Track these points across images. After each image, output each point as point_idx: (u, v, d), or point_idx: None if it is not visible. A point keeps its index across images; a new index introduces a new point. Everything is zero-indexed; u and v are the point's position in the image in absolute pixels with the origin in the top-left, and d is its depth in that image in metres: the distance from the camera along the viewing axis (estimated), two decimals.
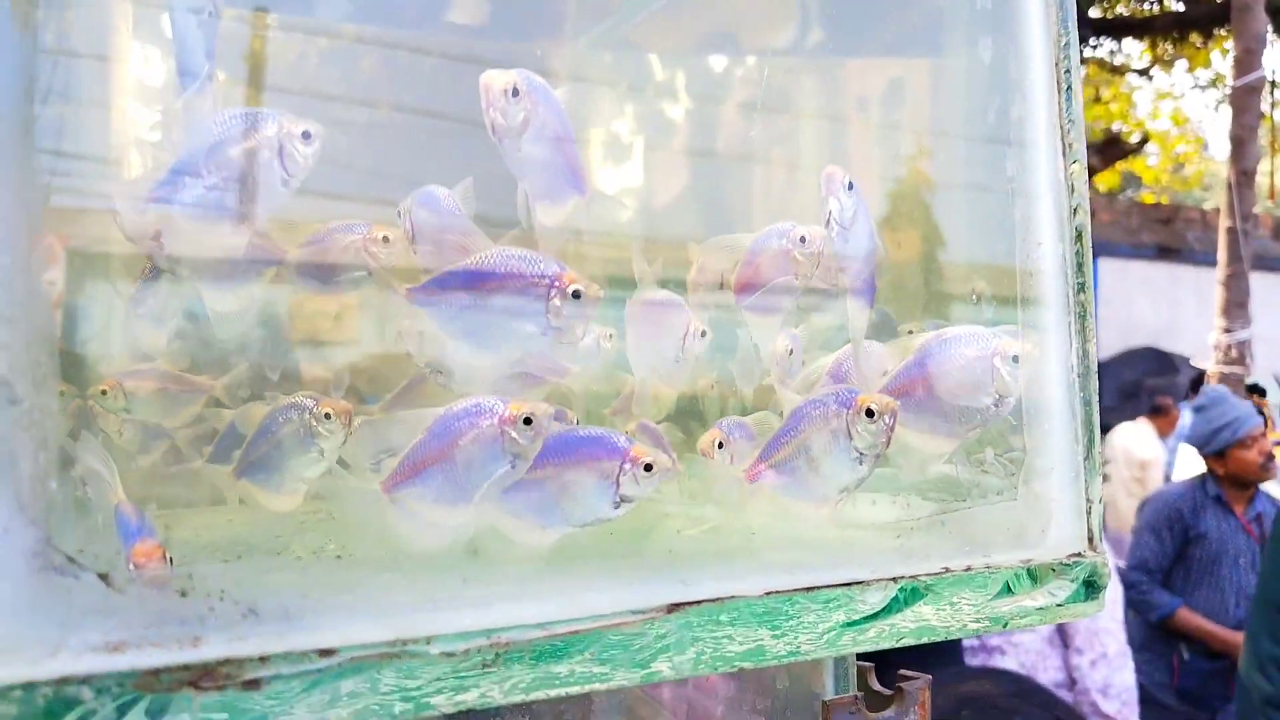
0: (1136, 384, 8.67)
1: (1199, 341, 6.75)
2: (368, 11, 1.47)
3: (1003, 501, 0.87)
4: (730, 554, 0.79)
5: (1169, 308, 11.89)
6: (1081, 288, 0.91)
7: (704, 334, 0.85)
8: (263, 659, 0.60)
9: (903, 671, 1.01)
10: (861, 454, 0.81)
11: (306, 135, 0.79)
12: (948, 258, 1.05)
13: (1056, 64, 0.91)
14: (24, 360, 0.58)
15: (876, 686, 1.04)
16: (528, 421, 0.72)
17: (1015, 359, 0.85)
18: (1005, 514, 0.87)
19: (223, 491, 0.92)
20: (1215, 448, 4.23)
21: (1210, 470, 4.32)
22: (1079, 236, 0.91)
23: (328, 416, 0.82)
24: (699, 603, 0.71)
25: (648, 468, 0.73)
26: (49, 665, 0.57)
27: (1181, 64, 13.52)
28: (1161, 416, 7.29)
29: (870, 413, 0.80)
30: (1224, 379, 6.08)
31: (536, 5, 1.56)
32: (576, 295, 0.76)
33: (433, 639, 0.64)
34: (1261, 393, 6.72)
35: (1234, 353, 6.15)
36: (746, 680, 1.18)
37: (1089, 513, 0.86)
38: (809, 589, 0.74)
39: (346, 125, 1.32)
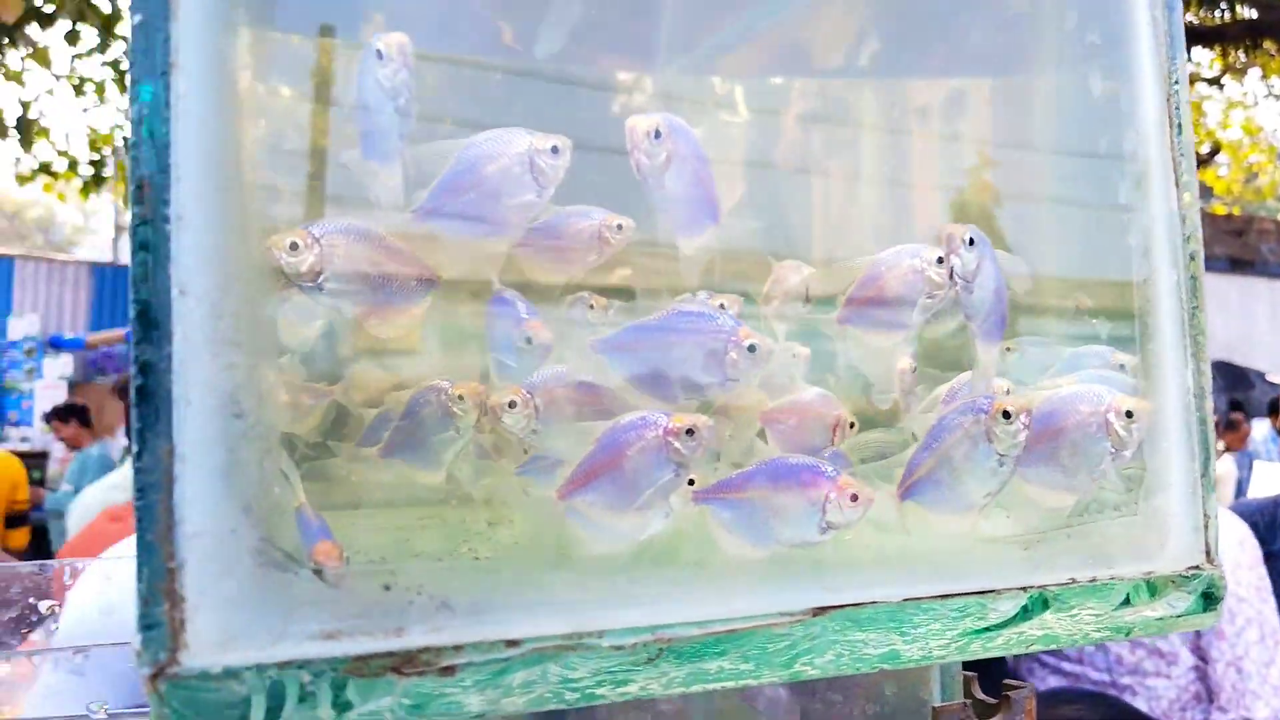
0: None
1: (1273, 355, 6.61)
2: (464, 40, 1.55)
3: (1124, 516, 0.91)
4: (871, 563, 0.84)
5: (1241, 321, 11.62)
6: (1195, 311, 0.94)
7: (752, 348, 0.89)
8: (457, 648, 0.67)
9: (1008, 681, 1.04)
10: (1002, 457, 0.85)
11: (555, 150, 0.87)
12: (1062, 277, 1.09)
13: (1168, 99, 0.95)
14: (249, 379, 0.65)
15: (980, 695, 1.07)
16: (690, 433, 0.78)
17: (1129, 414, 0.89)
18: (1126, 528, 0.90)
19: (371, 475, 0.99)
20: None
21: None
22: (1192, 261, 0.94)
23: (461, 398, 0.90)
24: (842, 607, 0.76)
25: (854, 498, 0.79)
26: (274, 650, 0.64)
27: (1254, 72, 13.24)
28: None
29: (1007, 414, 0.84)
30: None
31: (631, 35, 1.62)
32: (752, 349, 0.83)
33: (604, 633, 0.70)
34: None
35: None
36: (855, 687, 1.23)
37: (1206, 527, 0.90)
38: (944, 596, 0.78)
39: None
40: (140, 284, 0.62)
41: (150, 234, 0.62)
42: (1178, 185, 0.95)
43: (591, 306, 0.97)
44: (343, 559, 0.68)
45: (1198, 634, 2.91)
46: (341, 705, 0.65)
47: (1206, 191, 15.04)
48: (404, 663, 0.66)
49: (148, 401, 0.62)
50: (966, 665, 1.10)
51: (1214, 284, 11.67)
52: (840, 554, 0.81)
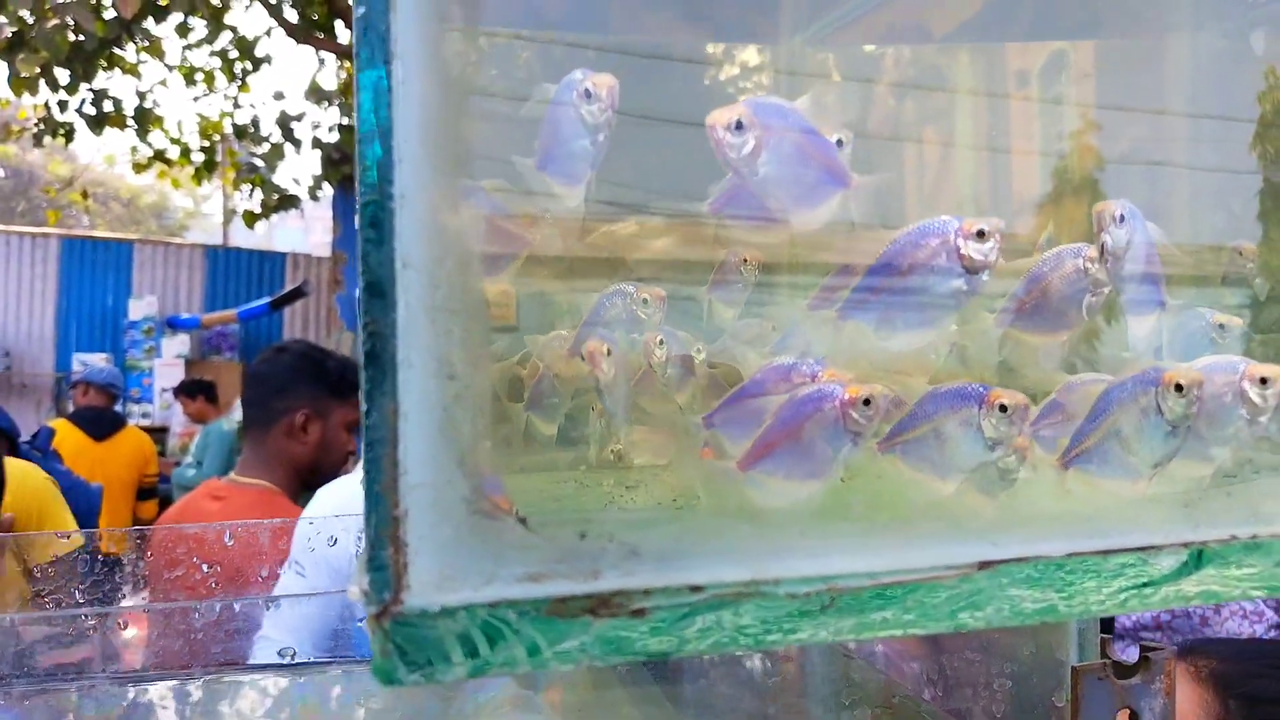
0: None
1: None
2: (587, 19, 1.59)
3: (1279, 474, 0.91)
4: (1034, 521, 0.86)
5: None
6: None
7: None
8: (646, 592, 0.72)
9: (1147, 642, 1.06)
10: (1174, 426, 0.87)
11: (980, 234, 0.89)
12: (1210, 242, 1.09)
13: None
14: (463, 345, 0.71)
15: (1117, 656, 1.09)
16: (867, 403, 0.82)
17: (1264, 380, 0.89)
18: None
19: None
20: None
21: None
22: None
23: (645, 302, 0.97)
24: (1006, 562, 0.79)
25: (1002, 408, 0.83)
26: (485, 591, 0.70)
27: None
28: None
29: (1179, 387, 0.86)
30: None
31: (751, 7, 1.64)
32: (1004, 409, 0.86)
33: (780, 581, 0.74)
34: None
35: None
36: (993, 646, 1.25)
37: None
38: (1106, 552, 0.81)
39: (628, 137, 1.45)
40: (368, 258, 0.68)
41: (377, 212, 0.68)
42: None
43: (645, 300, 1.01)
44: (515, 512, 0.74)
45: None
46: (543, 642, 0.71)
47: None
48: (599, 604, 0.71)
49: (376, 364, 0.69)
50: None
51: None
52: (1006, 513, 0.84)
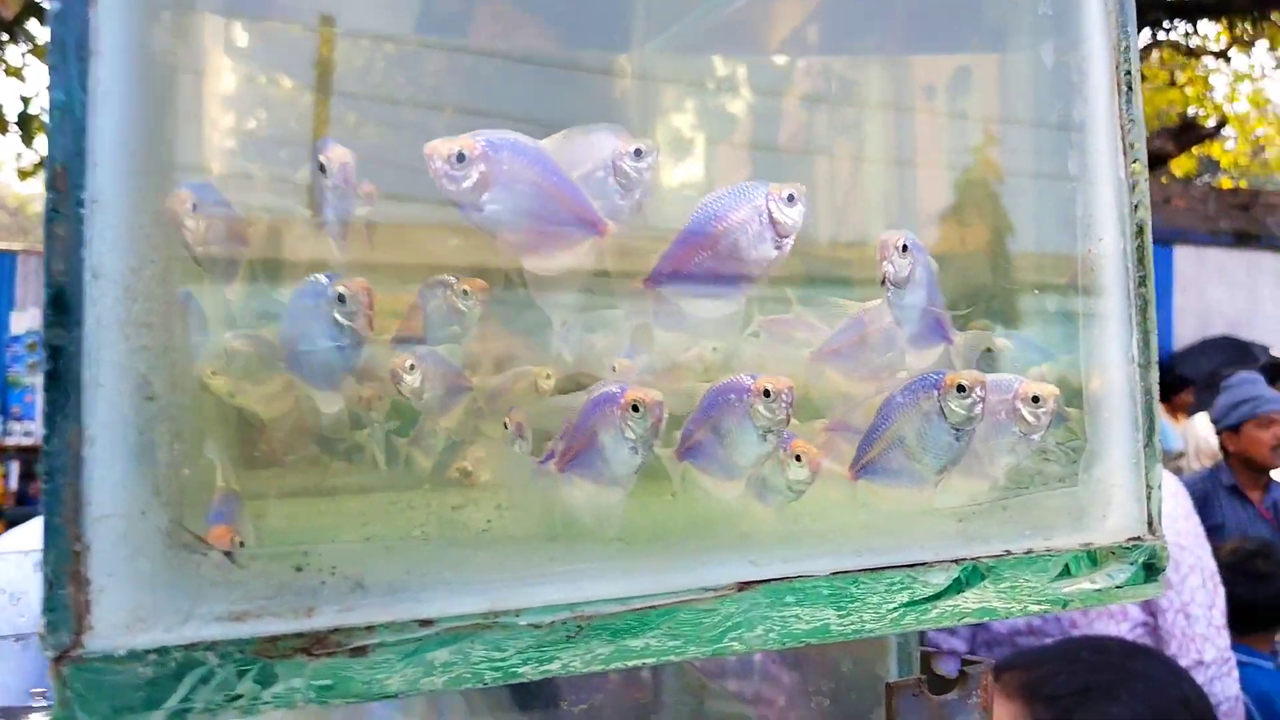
0: (1213, 374, 8.46)
1: (1278, 330, 6.57)
2: (439, 19, 1.54)
3: (1064, 488, 0.90)
4: (799, 537, 0.83)
5: (1247, 295, 11.55)
6: (1143, 281, 0.93)
7: None
8: (369, 628, 0.66)
9: (966, 656, 1.04)
10: (958, 430, 0.85)
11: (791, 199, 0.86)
12: (1013, 249, 1.08)
13: (1117, 66, 0.93)
14: (161, 361, 0.65)
15: (940, 671, 1.07)
16: (635, 409, 0.78)
17: (1036, 399, 0.88)
18: (1066, 499, 0.89)
19: None
20: (1234, 420, 4.24)
21: (1224, 451, 4.33)
22: (1140, 231, 0.93)
23: (466, 294, 0.92)
24: (768, 581, 0.76)
25: (766, 393, 0.81)
26: (180, 632, 0.64)
27: (1261, 44, 13.11)
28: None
29: (961, 388, 0.84)
30: None
31: (606, 10, 1.60)
32: (767, 394, 0.83)
33: (521, 612, 0.69)
34: None
35: None
36: (811, 664, 1.23)
37: (1149, 498, 0.89)
38: (875, 569, 0.78)
39: (418, 130, 1.39)
40: (52, 268, 0.62)
41: (64, 219, 0.61)
42: (1125, 153, 0.94)
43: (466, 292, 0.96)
44: (234, 543, 0.68)
45: None
46: (250, 687, 0.64)
47: (1213, 165, 14.91)
48: (314, 643, 0.65)
49: (58, 385, 0.62)
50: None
51: (1220, 258, 11.60)
52: (769, 528, 0.81)
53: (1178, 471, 6.40)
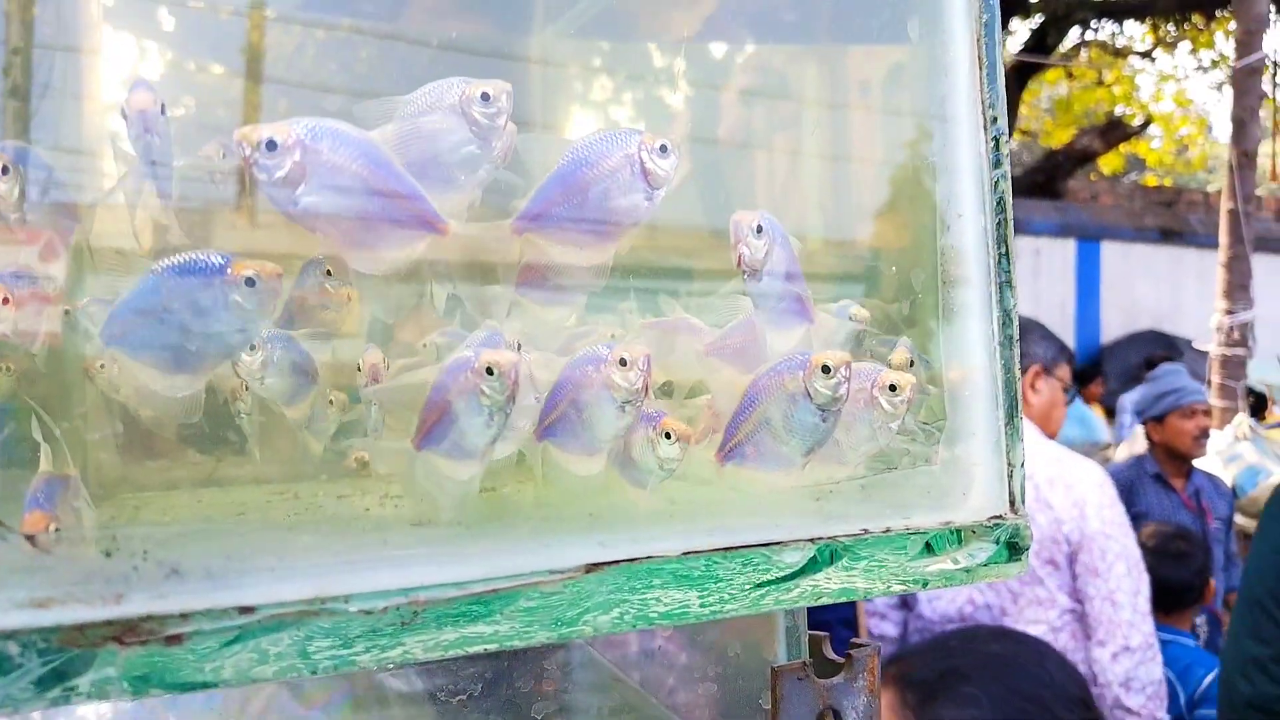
0: (1139, 367, 8.66)
1: (1201, 324, 6.74)
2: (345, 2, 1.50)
3: (924, 467, 0.90)
4: (652, 517, 0.81)
5: (1172, 291, 11.86)
6: (1004, 258, 0.93)
7: None
8: (184, 616, 0.63)
9: (853, 640, 1.03)
10: (823, 410, 0.84)
11: (664, 149, 0.84)
12: (877, 229, 1.07)
13: (978, 40, 0.93)
14: None
15: (830, 655, 1.06)
16: (490, 371, 0.75)
17: (893, 388, 0.88)
18: (927, 479, 0.89)
19: None
20: (1158, 411, 4.35)
21: (1149, 441, 4.44)
22: (1001, 206, 0.93)
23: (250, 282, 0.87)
24: (618, 563, 0.74)
25: (622, 362, 0.79)
26: None
27: (1184, 46, 13.46)
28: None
29: (826, 369, 0.83)
30: (1226, 361, 6.07)
31: None
32: (623, 363, 0.82)
33: (350, 597, 0.67)
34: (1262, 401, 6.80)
35: (1235, 335, 6.13)
36: (699, 648, 1.21)
37: (1010, 477, 0.89)
38: (726, 549, 0.76)
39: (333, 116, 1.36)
40: None
41: None
42: (986, 128, 0.93)
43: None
44: (49, 529, 0.64)
45: (1073, 575, 3.05)
46: (57, 676, 0.61)
47: (1139, 164, 15.28)
48: (125, 631, 0.62)
49: None
50: (816, 624, 1.09)
51: (1144, 254, 11.87)
52: (619, 508, 0.79)
53: (1104, 462, 6.55)
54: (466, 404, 0.78)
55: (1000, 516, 0.88)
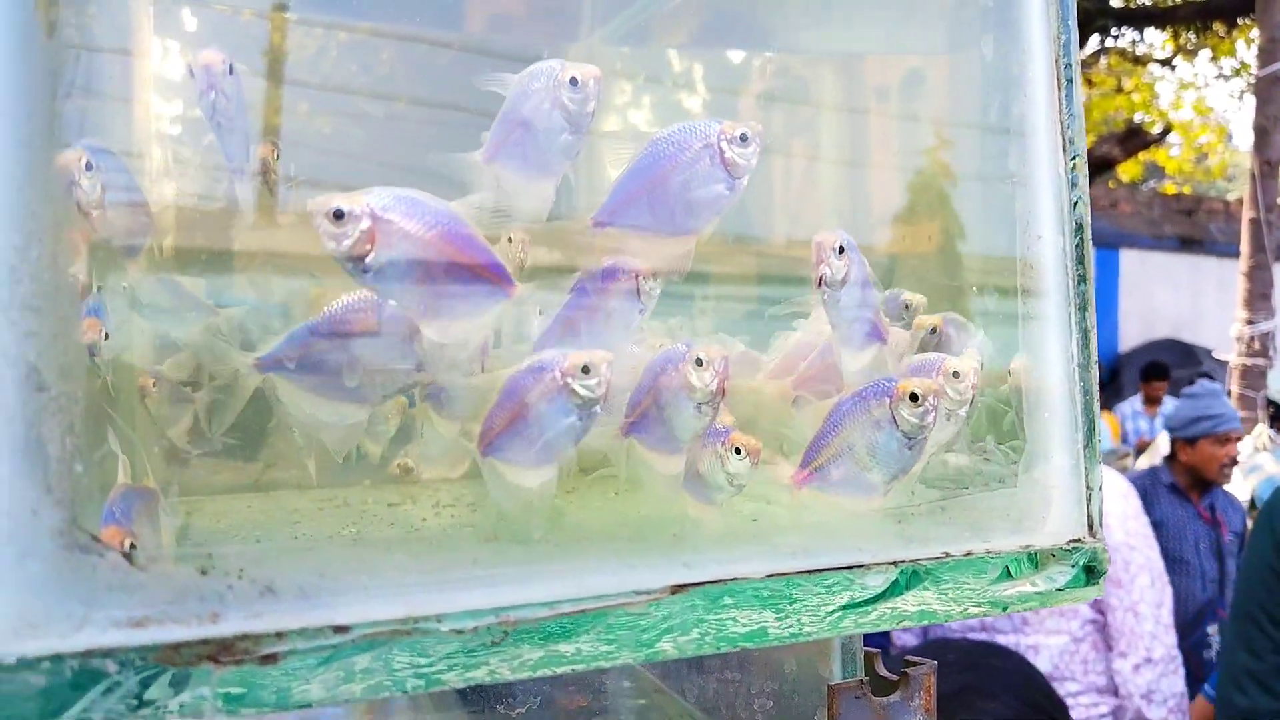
0: (1143, 373, 8.62)
1: (1221, 333, 6.70)
2: (385, 6, 1.50)
3: (1003, 489, 0.89)
4: (734, 538, 0.81)
5: (1191, 299, 11.80)
6: (1082, 279, 0.92)
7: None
8: (279, 635, 0.63)
9: (909, 658, 1.02)
10: (909, 439, 0.83)
11: (744, 138, 0.83)
12: (961, 249, 1.06)
13: (1056, 60, 0.92)
14: (52, 349, 0.61)
15: (883, 672, 1.05)
16: (586, 370, 0.75)
17: (914, 397, 0.86)
18: (1006, 501, 0.88)
19: None
20: (1192, 434, 4.29)
21: (1173, 456, 4.39)
22: (1079, 229, 0.92)
23: None
24: (701, 584, 0.73)
25: (699, 362, 0.78)
26: (75, 639, 0.60)
27: (1205, 53, 13.39)
28: None
29: (915, 397, 0.82)
30: (1246, 371, 6.03)
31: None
32: (699, 363, 0.81)
33: (443, 617, 0.66)
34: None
35: (1256, 345, 6.09)
36: (755, 665, 1.21)
37: (1089, 500, 0.88)
38: (811, 572, 0.76)
39: (364, 119, 1.35)
40: None
41: None
42: (1065, 149, 0.92)
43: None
44: (125, 544, 0.64)
45: None
46: (153, 695, 0.61)
47: (1158, 171, 15.21)
48: (220, 650, 0.62)
49: None
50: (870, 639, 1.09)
51: (1164, 262, 11.82)
52: (702, 529, 0.78)
53: (1122, 470, 6.52)
54: (550, 407, 0.77)
55: (1079, 540, 0.87)
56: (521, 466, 0.79)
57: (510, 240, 1.10)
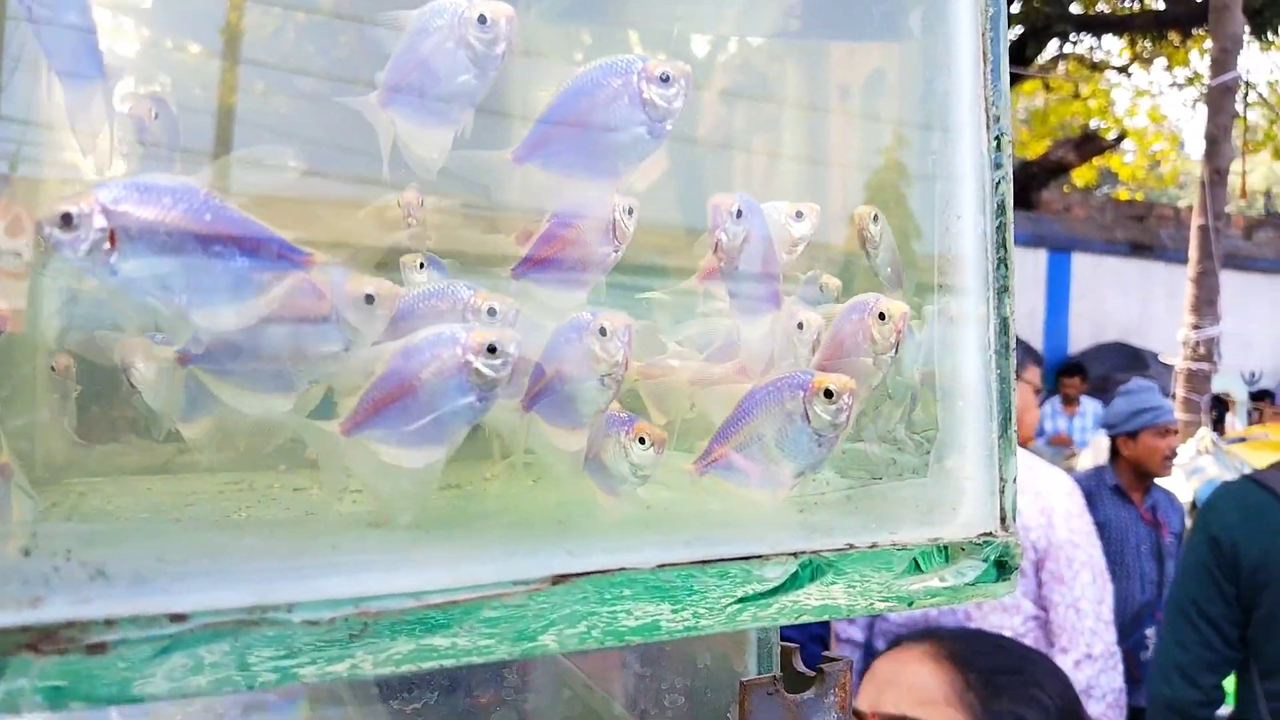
0: (1105, 378, 8.74)
1: (1168, 338, 6.79)
2: None
3: (913, 479, 0.85)
4: (624, 526, 0.76)
5: (1140, 304, 11.98)
6: (1002, 263, 0.89)
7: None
8: (109, 622, 0.57)
9: (826, 653, 0.99)
10: (820, 436, 0.79)
11: (665, 78, 0.79)
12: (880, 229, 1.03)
13: (982, 34, 0.89)
14: None
15: (800, 668, 1.02)
16: (492, 350, 0.70)
17: (829, 394, 0.83)
18: (916, 491, 0.85)
19: None
20: (1133, 427, 4.37)
21: (1114, 453, 4.46)
22: (1001, 210, 0.89)
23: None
24: (586, 574, 0.69)
25: (602, 331, 0.75)
26: None
27: (1160, 62, 13.59)
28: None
29: (829, 393, 0.78)
30: (1191, 375, 6.11)
31: None
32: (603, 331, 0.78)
33: (294, 606, 0.61)
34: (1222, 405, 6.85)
35: (1202, 349, 6.16)
36: (667, 659, 1.17)
37: (1002, 492, 0.85)
38: (704, 562, 0.72)
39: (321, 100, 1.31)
40: None
41: None
42: (988, 126, 0.89)
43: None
44: None
45: (1039, 582, 3.06)
46: None
47: (1112, 177, 15.42)
48: (41, 638, 0.56)
49: None
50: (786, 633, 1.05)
51: (1115, 267, 11.98)
52: (590, 517, 0.74)
53: (1068, 470, 6.59)
54: (446, 384, 0.72)
55: (990, 534, 0.83)
56: (404, 448, 0.74)
57: (399, 204, 1.05)
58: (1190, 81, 13.67)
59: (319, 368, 0.73)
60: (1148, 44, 13.04)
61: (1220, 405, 7.63)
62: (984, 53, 0.89)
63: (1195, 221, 6.27)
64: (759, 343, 0.88)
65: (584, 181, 0.85)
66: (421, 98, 0.83)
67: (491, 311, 0.79)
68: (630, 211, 0.84)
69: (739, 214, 0.82)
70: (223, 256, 0.67)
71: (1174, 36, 12.60)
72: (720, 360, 0.93)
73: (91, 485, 1.00)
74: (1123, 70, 13.82)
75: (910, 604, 0.79)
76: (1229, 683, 2.78)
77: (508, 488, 0.76)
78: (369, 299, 0.73)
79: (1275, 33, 11.61)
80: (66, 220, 0.64)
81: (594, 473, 0.82)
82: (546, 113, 0.83)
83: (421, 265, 0.99)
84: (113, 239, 0.65)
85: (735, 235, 0.82)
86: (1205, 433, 5.61)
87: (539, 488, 0.79)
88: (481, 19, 0.80)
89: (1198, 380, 6.07)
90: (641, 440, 0.80)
